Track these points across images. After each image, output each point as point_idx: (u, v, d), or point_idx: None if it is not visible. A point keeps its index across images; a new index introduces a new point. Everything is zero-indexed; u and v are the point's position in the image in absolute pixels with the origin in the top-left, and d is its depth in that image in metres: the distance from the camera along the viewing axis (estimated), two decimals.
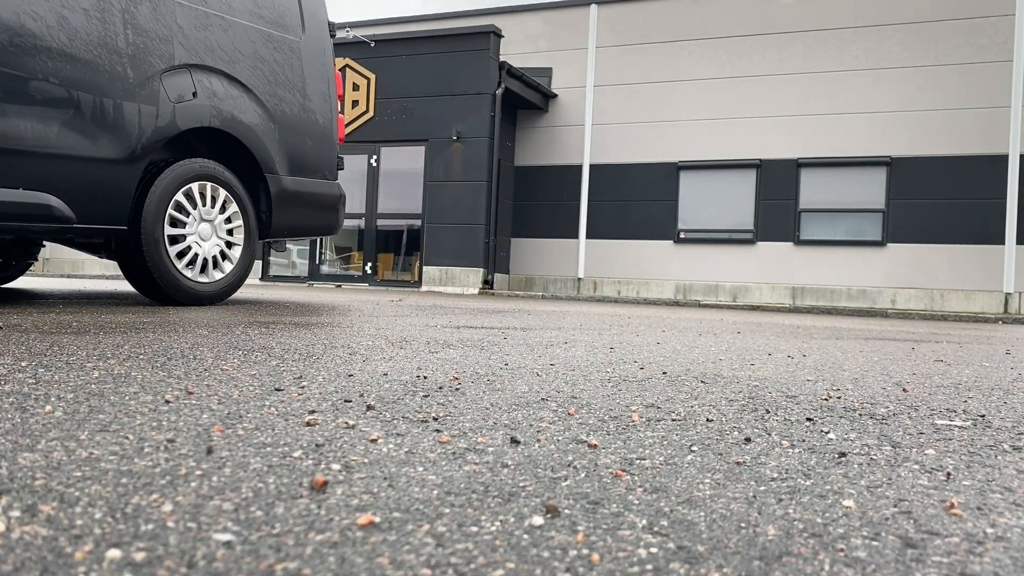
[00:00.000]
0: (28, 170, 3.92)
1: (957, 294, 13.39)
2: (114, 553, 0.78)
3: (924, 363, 3.31)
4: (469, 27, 14.91)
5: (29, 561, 0.75)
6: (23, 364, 2.02)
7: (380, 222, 15.32)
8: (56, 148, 4.02)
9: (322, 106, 5.43)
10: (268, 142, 4.99)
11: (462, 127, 14.47)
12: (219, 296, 4.87)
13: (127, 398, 1.61)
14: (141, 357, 2.25)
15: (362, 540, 0.86)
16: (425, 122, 14.66)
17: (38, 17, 3.96)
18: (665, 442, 1.44)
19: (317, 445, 1.28)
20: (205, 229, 4.73)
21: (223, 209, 4.83)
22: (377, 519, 0.93)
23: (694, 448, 1.40)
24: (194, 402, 1.60)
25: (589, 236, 15.74)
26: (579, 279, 15.78)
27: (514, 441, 1.38)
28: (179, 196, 4.59)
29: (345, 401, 1.70)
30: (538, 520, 0.95)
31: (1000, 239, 13.15)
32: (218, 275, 4.83)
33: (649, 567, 0.82)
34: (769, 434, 1.56)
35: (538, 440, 1.41)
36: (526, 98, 15.21)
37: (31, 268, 7.09)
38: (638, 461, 1.29)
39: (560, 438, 1.43)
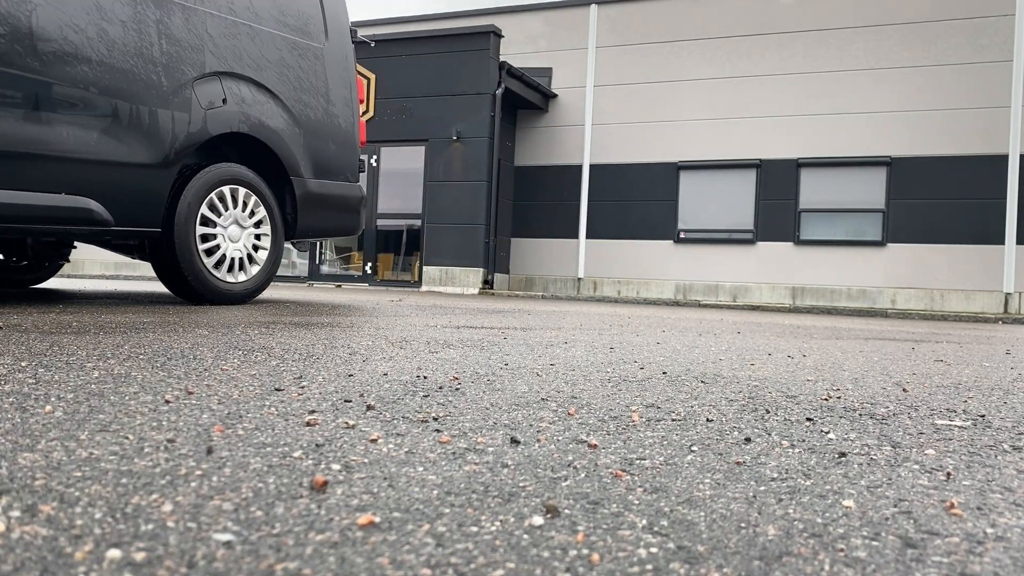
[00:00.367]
0: (70, 175, 4.08)
1: (957, 294, 13.39)
2: (114, 553, 0.78)
3: (924, 363, 3.31)
4: (469, 27, 14.92)
5: (29, 561, 0.75)
6: (23, 364, 2.02)
7: (380, 222, 15.32)
8: (96, 154, 4.17)
9: (344, 110, 5.59)
10: (294, 146, 5.16)
11: (462, 127, 14.47)
12: (248, 295, 5.04)
13: (127, 398, 1.61)
14: (141, 357, 2.25)
15: (362, 540, 0.86)
16: (425, 122, 14.66)
17: (79, 30, 4.11)
18: (665, 442, 1.44)
19: (317, 445, 1.28)
20: (234, 231, 4.91)
21: (251, 211, 5.00)
22: (377, 519, 0.93)
23: (694, 448, 1.40)
24: (194, 402, 1.60)
25: (589, 236, 15.74)
26: (579, 279, 15.78)
27: (514, 441, 1.38)
28: (210, 199, 4.76)
29: (345, 401, 1.70)
30: (538, 520, 0.95)
31: (1000, 239, 13.16)
32: (244, 276, 5.00)
33: (649, 567, 0.82)
34: (769, 434, 1.56)
35: (538, 440, 1.41)
36: (526, 98, 15.21)
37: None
38: (638, 461, 1.29)
39: (560, 438, 1.43)
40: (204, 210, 4.73)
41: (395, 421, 1.51)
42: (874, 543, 0.93)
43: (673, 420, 1.67)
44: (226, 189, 4.84)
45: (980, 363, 3.45)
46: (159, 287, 8.82)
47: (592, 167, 15.68)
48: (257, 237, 5.04)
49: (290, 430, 1.38)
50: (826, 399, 2.08)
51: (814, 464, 1.33)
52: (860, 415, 1.85)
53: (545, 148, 16.12)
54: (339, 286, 14.90)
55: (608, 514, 0.99)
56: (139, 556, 0.78)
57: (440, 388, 1.94)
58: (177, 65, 4.55)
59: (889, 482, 1.23)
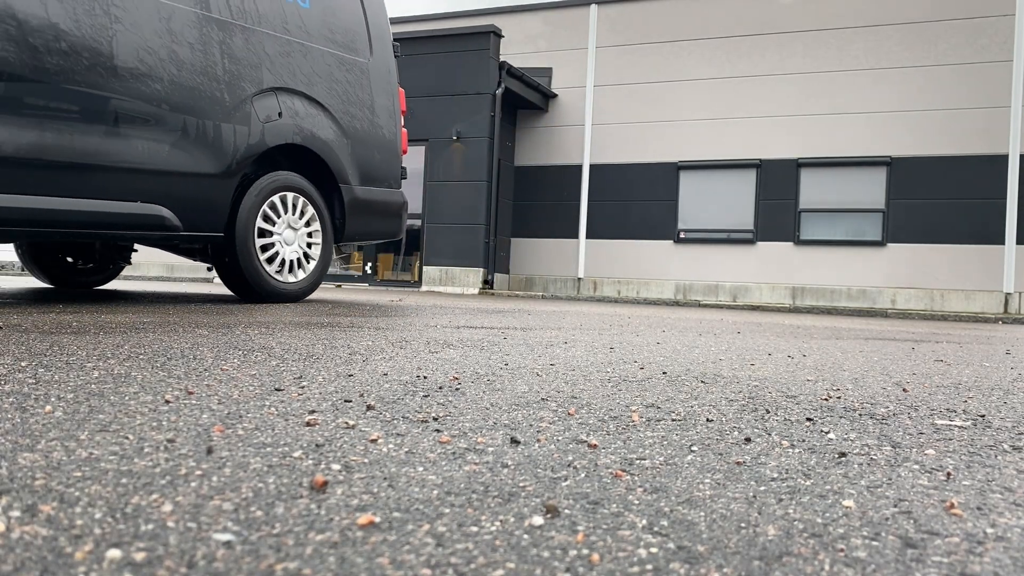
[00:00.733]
0: (144, 185, 4.43)
1: (957, 294, 13.39)
2: (114, 553, 0.78)
3: (924, 363, 3.31)
4: (469, 27, 14.92)
5: (29, 561, 0.75)
6: (23, 364, 2.02)
7: None
8: (166, 166, 4.52)
9: (388, 121, 5.97)
10: (342, 156, 5.54)
11: (462, 127, 14.47)
12: (301, 294, 5.42)
13: (127, 398, 1.61)
14: (141, 357, 2.25)
15: (362, 540, 0.86)
16: (425, 122, 14.66)
17: (153, 52, 4.47)
18: (665, 442, 1.44)
19: (317, 445, 1.28)
20: (289, 234, 5.30)
21: (303, 216, 5.38)
22: (377, 519, 0.93)
23: (694, 448, 1.40)
24: (194, 402, 1.60)
25: (589, 236, 15.74)
26: (579, 279, 15.78)
27: (514, 441, 1.38)
28: (266, 205, 5.14)
29: (345, 401, 1.70)
30: (538, 520, 0.95)
31: (1000, 239, 13.16)
32: (300, 275, 5.40)
33: (649, 567, 0.82)
34: (769, 434, 1.56)
35: (538, 440, 1.41)
36: (526, 98, 15.21)
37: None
38: (638, 461, 1.29)
39: (560, 438, 1.43)
40: (261, 216, 5.11)
41: (395, 421, 1.51)
42: (874, 543, 0.93)
43: (673, 420, 1.67)
44: (281, 196, 5.22)
45: (980, 363, 3.45)
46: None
47: (592, 167, 15.68)
48: (309, 239, 5.43)
49: (290, 430, 1.38)
50: (826, 399, 2.08)
51: (814, 464, 1.33)
52: (860, 415, 1.85)
53: (545, 148, 16.12)
54: (339, 286, 14.90)
55: (608, 514, 0.99)
56: (139, 556, 0.78)
57: (440, 388, 1.95)
58: (238, 82, 4.92)
59: (889, 482, 1.23)
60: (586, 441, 1.42)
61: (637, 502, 1.05)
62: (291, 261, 5.32)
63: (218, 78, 4.78)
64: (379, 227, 5.97)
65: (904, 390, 2.35)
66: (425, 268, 14.90)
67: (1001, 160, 13.15)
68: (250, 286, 5.12)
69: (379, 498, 1.01)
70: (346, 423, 1.46)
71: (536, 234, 16.14)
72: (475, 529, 0.91)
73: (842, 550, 0.90)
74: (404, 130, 6.16)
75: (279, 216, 5.23)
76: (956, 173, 13.37)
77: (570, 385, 2.12)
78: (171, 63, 4.54)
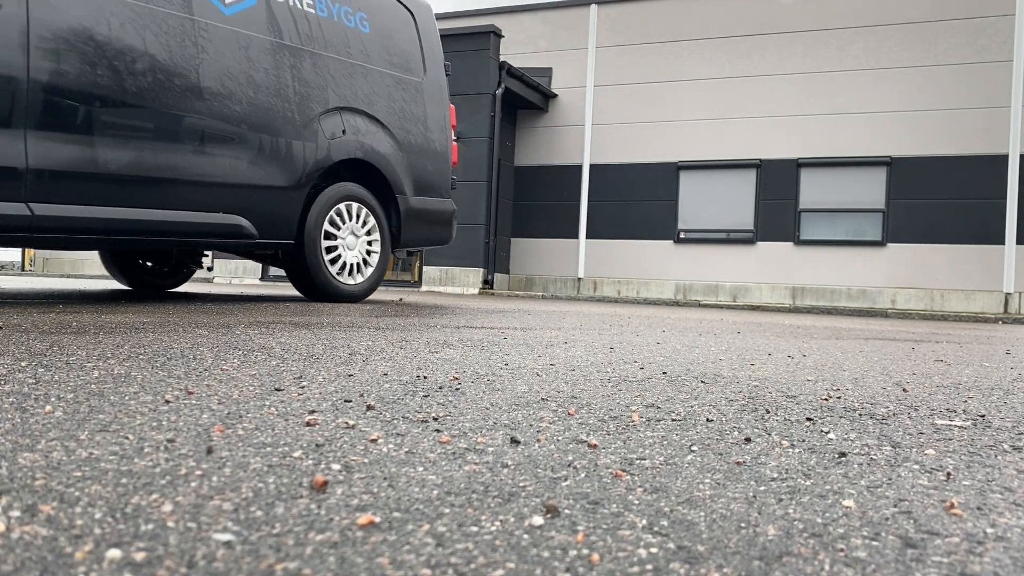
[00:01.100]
0: (226, 198, 4.90)
1: (957, 294, 13.40)
2: (114, 553, 0.78)
3: (924, 363, 3.31)
4: (469, 27, 14.92)
5: (29, 561, 0.75)
6: (23, 364, 2.02)
7: None
8: (245, 179, 4.98)
9: (440, 136, 6.43)
10: (398, 168, 6.01)
11: (462, 127, 14.47)
12: (362, 295, 5.93)
13: (127, 398, 1.61)
14: (141, 357, 2.25)
15: (362, 540, 0.86)
16: None
17: (233, 77, 4.92)
18: (665, 442, 1.44)
19: (317, 445, 1.28)
20: (351, 240, 5.78)
21: (364, 224, 5.86)
22: (377, 519, 0.93)
23: (694, 448, 1.40)
24: (194, 402, 1.60)
25: (589, 236, 15.74)
26: (579, 279, 15.78)
27: (514, 441, 1.38)
28: (332, 213, 5.61)
29: (345, 401, 1.70)
30: (538, 520, 0.95)
31: (1000, 239, 13.16)
32: (360, 278, 5.90)
33: (649, 567, 0.82)
34: (769, 434, 1.56)
35: (538, 440, 1.41)
36: (526, 98, 15.21)
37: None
38: (638, 461, 1.29)
39: (560, 438, 1.43)
40: (327, 224, 5.58)
41: (395, 421, 1.51)
42: (874, 543, 0.93)
43: (673, 420, 1.67)
44: (343, 205, 5.68)
45: (980, 363, 3.45)
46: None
47: (592, 167, 15.68)
48: (369, 245, 5.92)
49: (290, 430, 1.38)
50: (826, 399, 2.08)
51: (814, 464, 1.33)
52: (860, 415, 1.85)
53: (545, 148, 16.12)
54: None
55: (608, 514, 0.99)
56: (139, 556, 0.78)
57: (440, 388, 1.95)
58: (307, 103, 5.38)
59: (889, 482, 1.23)
60: (586, 441, 1.42)
61: (637, 502, 1.05)
62: (352, 264, 5.80)
63: (290, 99, 5.27)
64: (431, 234, 6.43)
65: (904, 390, 2.35)
66: (425, 268, 14.89)
67: (1001, 160, 13.15)
68: (316, 287, 5.61)
69: (379, 498, 1.01)
70: (346, 423, 1.46)
71: (536, 234, 16.15)
72: (475, 529, 0.91)
73: (842, 550, 0.90)
74: (455, 143, 6.62)
75: (343, 223, 5.71)
76: (956, 173, 13.37)
77: (570, 385, 2.12)
78: (249, 87, 5.02)
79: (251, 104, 5.01)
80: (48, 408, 1.47)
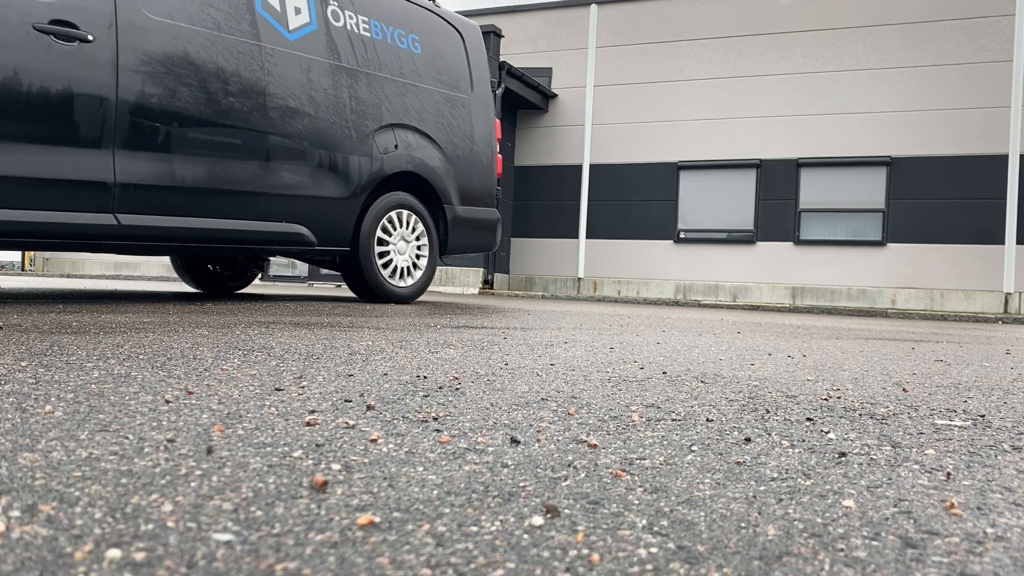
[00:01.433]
0: (288, 208, 5.32)
1: (957, 294, 13.40)
2: (114, 553, 0.78)
3: (924, 363, 3.31)
4: None
5: (29, 561, 0.75)
6: (23, 364, 2.02)
7: None
8: (306, 191, 5.39)
9: (485, 149, 6.82)
10: (446, 180, 6.42)
11: None
12: (412, 296, 6.37)
13: (127, 398, 1.61)
14: (141, 357, 2.25)
15: (362, 540, 0.86)
16: None
17: (296, 97, 5.35)
18: (665, 442, 1.44)
19: (317, 445, 1.28)
20: (402, 245, 6.20)
21: (414, 231, 6.27)
22: (377, 519, 0.93)
23: (694, 448, 1.40)
24: (194, 402, 1.60)
25: (589, 236, 15.74)
26: (579, 279, 15.78)
27: (514, 441, 1.38)
28: (385, 221, 6.02)
29: (345, 401, 1.70)
30: (538, 520, 0.95)
31: (1000, 239, 13.16)
32: (410, 280, 6.32)
33: (649, 567, 0.82)
34: (769, 434, 1.56)
35: (538, 440, 1.41)
36: (526, 98, 15.20)
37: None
38: (638, 461, 1.29)
39: (560, 438, 1.43)
40: (380, 231, 6.00)
41: (395, 421, 1.51)
42: (874, 543, 0.93)
43: (673, 420, 1.67)
44: (395, 214, 6.10)
45: (980, 363, 3.45)
46: (164, 286, 8.81)
47: (592, 167, 15.68)
48: (418, 250, 6.34)
49: (290, 430, 1.38)
50: (826, 399, 2.08)
51: (814, 464, 1.33)
52: (860, 415, 1.85)
53: (545, 148, 16.12)
54: (339, 286, 14.89)
55: (608, 514, 0.99)
56: (139, 556, 0.78)
57: (440, 388, 1.95)
58: (362, 120, 5.79)
59: (889, 482, 1.23)
60: (586, 441, 1.42)
61: (637, 502, 1.05)
62: (403, 268, 6.23)
63: (347, 117, 5.68)
64: (476, 241, 6.85)
65: (904, 390, 2.35)
66: None
67: (1001, 160, 13.15)
68: (370, 289, 6.06)
69: (379, 498, 1.01)
70: (346, 423, 1.46)
71: (536, 234, 16.14)
72: (475, 529, 0.91)
73: (842, 550, 0.90)
74: (499, 156, 7.04)
75: (394, 230, 6.13)
76: (956, 173, 13.37)
77: (570, 385, 2.12)
78: (310, 106, 5.43)
79: (312, 122, 5.43)
80: (48, 408, 1.47)
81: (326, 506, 0.97)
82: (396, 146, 5.99)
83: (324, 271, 16.12)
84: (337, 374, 2.10)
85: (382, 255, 6.05)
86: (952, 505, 1.10)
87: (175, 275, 17.80)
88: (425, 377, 2.13)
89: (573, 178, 15.84)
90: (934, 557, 0.89)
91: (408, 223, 6.22)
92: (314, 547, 0.83)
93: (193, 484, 1.03)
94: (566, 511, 1.00)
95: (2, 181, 3.99)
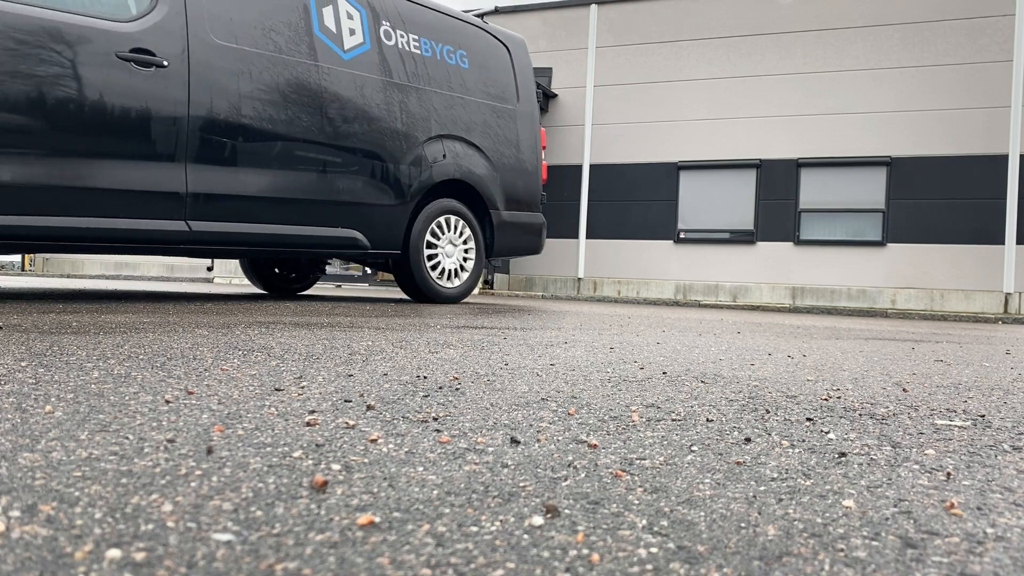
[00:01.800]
0: (344, 214, 5.73)
1: (957, 294, 13.39)
2: (114, 553, 0.78)
3: (924, 363, 3.31)
4: None
5: (29, 561, 0.75)
6: (23, 364, 2.02)
7: None
8: (360, 198, 5.80)
9: (531, 156, 7.20)
10: (492, 187, 6.80)
11: None
12: (459, 296, 6.75)
13: (127, 398, 1.61)
14: (141, 357, 2.25)
15: (362, 540, 0.86)
16: None
17: (351, 113, 5.75)
18: (665, 442, 1.44)
19: (317, 445, 1.28)
20: (450, 249, 6.58)
21: (461, 235, 6.64)
22: (377, 519, 0.93)
23: (694, 448, 1.40)
24: (194, 402, 1.60)
25: (589, 236, 15.74)
26: (579, 279, 15.78)
27: (514, 441, 1.38)
28: (433, 225, 6.40)
29: (345, 401, 1.70)
30: (538, 520, 0.95)
31: (1000, 239, 13.16)
32: (457, 281, 6.71)
33: (649, 567, 0.82)
34: (769, 434, 1.56)
35: (538, 440, 1.41)
36: None
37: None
38: (638, 461, 1.29)
39: (560, 438, 1.43)
40: (429, 234, 6.37)
41: (395, 421, 1.51)
42: (874, 543, 0.93)
43: (673, 420, 1.67)
44: (443, 219, 6.47)
45: (980, 363, 3.45)
46: (164, 286, 8.81)
47: (592, 167, 15.68)
48: (465, 253, 6.70)
49: (290, 430, 1.38)
50: (826, 399, 2.08)
51: (814, 464, 1.33)
52: (860, 415, 1.85)
53: (545, 148, 16.10)
54: (339, 286, 14.90)
55: (608, 514, 0.99)
56: (139, 556, 0.78)
57: (440, 388, 1.95)
58: (413, 132, 6.17)
59: (889, 482, 1.23)
60: (586, 441, 1.42)
61: (637, 502, 1.05)
62: (450, 270, 6.60)
63: (398, 130, 6.06)
64: (522, 244, 7.22)
65: (904, 390, 2.35)
66: None
67: (1001, 160, 13.15)
68: (420, 290, 6.43)
69: (379, 498, 1.01)
70: (346, 423, 1.46)
71: None
72: (475, 529, 0.91)
73: (842, 550, 0.90)
74: (544, 163, 7.42)
75: (442, 235, 6.50)
76: (956, 173, 13.37)
77: (570, 385, 2.12)
78: (364, 120, 5.83)
79: (365, 135, 5.83)
80: (48, 408, 1.47)
81: (326, 506, 0.97)
82: (444, 155, 6.37)
83: (326, 269, 16.17)
84: (337, 374, 2.10)
85: (431, 258, 6.43)
86: (952, 505, 1.10)
87: (175, 275, 17.81)
88: (425, 377, 2.13)
89: (573, 178, 15.84)
90: (934, 557, 0.89)
91: (456, 227, 6.60)
92: (314, 547, 0.83)
93: (193, 484, 1.03)
94: (566, 511, 1.00)
95: (88, 193, 4.41)
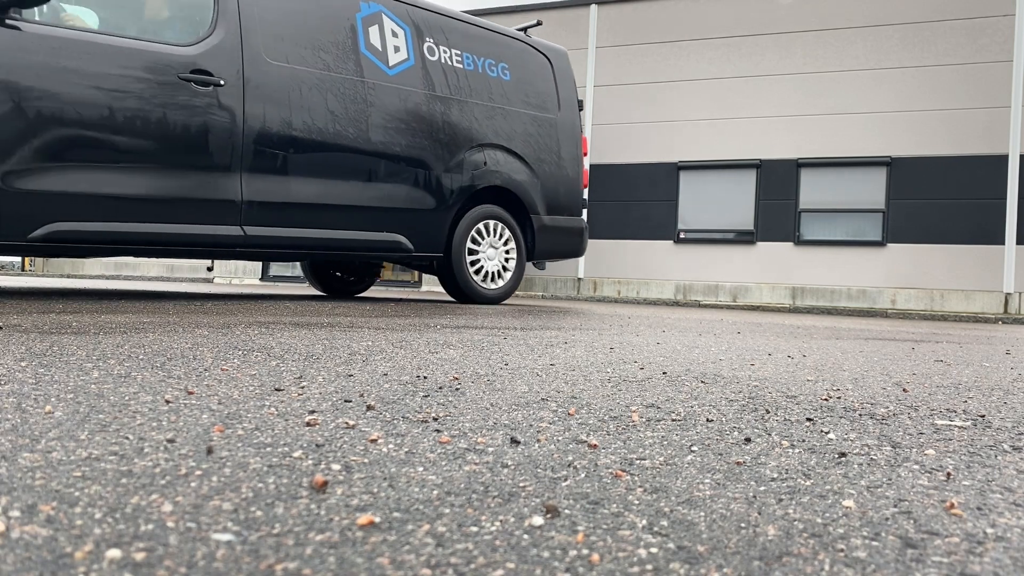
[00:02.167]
0: (389, 219, 6.11)
1: (957, 294, 13.39)
2: (114, 553, 0.78)
3: (924, 363, 3.31)
4: None
5: (29, 561, 0.75)
6: (23, 364, 2.02)
7: None
8: (404, 204, 6.18)
9: (572, 163, 7.50)
10: (533, 193, 7.12)
11: None
12: (500, 297, 7.08)
13: (127, 398, 1.61)
14: (141, 357, 2.25)
15: (362, 540, 0.86)
16: None
17: (395, 124, 6.10)
18: (665, 442, 1.44)
19: (317, 445, 1.28)
20: (491, 252, 6.90)
21: (502, 238, 6.97)
22: (377, 519, 0.93)
23: (694, 448, 1.40)
24: (194, 402, 1.60)
25: (589, 236, 15.70)
26: (579, 279, 15.78)
27: (514, 441, 1.38)
28: (474, 230, 6.74)
29: (345, 401, 1.70)
30: (538, 520, 0.95)
31: (1000, 239, 13.15)
32: (499, 283, 7.05)
33: (649, 567, 0.82)
34: (769, 434, 1.56)
35: (538, 440, 1.41)
36: None
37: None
38: (638, 461, 1.29)
39: (560, 438, 1.43)
40: (470, 239, 6.71)
41: (395, 421, 1.51)
42: (874, 543, 0.93)
43: (673, 420, 1.67)
44: (485, 223, 6.80)
45: (980, 363, 3.45)
46: (164, 286, 8.81)
47: (592, 167, 15.68)
48: (506, 256, 7.02)
49: (290, 430, 1.38)
50: (826, 399, 2.08)
51: (814, 464, 1.33)
52: (860, 415, 1.85)
53: None
54: None
55: (608, 514, 0.99)
56: (139, 556, 0.78)
57: (440, 388, 1.95)
58: (454, 142, 6.51)
59: (889, 482, 1.23)
60: (586, 441, 1.42)
61: (637, 502, 1.05)
62: (492, 272, 6.92)
63: (440, 140, 6.40)
64: (563, 246, 7.53)
65: (904, 390, 2.35)
66: None
67: (1001, 160, 13.15)
68: (462, 291, 6.77)
69: (379, 498, 1.01)
70: (346, 423, 1.46)
71: None
72: (475, 529, 0.91)
73: (842, 550, 0.90)
74: (586, 169, 7.71)
75: (484, 238, 6.83)
76: (956, 173, 13.37)
77: (570, 385, 2.12)
78: (407, 131, 6.19)
79: (409, 145, 6.19)
80: (48, 408, 1.47)
81: (326, 506, 0.97)
82: (485, 163, 6.72)
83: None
84: (337, 374, 2.10)
85: (473, 261, 6.77)
86: (952, 505, 1.10)
87: (174, 276, 17.82)
88: (425, 377, 2.13)
89: None
90: (934, 557, 0.89)
91: (497, 232, 6.93)
92: (314, 547, 0.83)
93: (193, 484, 1.03)
94: (566, 511, 1.00)
95: (154, 201, 4.85)
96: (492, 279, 6.94)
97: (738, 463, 1.30)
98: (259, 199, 5.34)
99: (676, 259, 15.12)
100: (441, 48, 6.60)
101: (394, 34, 6.27)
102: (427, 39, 6.50)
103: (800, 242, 14.32)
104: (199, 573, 0.75)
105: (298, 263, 8.29)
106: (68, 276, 17.86)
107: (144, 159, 4.79)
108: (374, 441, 1.33)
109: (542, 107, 7.32)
